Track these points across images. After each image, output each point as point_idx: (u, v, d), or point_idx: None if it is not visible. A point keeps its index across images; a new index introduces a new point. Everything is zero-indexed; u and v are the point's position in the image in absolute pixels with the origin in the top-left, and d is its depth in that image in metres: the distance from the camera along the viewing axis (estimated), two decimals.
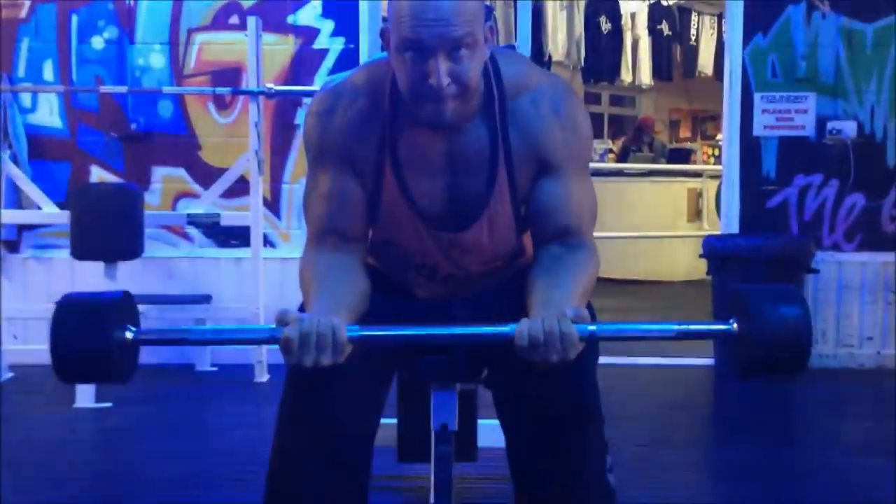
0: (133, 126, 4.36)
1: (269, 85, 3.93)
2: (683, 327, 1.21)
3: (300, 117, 4.33)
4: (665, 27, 8.15)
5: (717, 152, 9.02)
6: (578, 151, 1.45)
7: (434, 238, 1.48)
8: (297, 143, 4.33)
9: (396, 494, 2.49)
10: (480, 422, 2.06)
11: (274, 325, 1.21)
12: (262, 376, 3.95)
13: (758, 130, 4.32)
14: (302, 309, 1.42)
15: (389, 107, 1.42)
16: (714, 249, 4.04)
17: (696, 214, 8.13)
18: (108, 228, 3.63)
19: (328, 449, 1.40)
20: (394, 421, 2.01)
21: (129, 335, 1.21)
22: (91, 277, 3.83)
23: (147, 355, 4.58)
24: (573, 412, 1.41)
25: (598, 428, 1.44)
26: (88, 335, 1.18)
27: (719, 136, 9.10)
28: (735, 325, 1.18)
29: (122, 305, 1.22)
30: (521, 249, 1.56)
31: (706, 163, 8.76)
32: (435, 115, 1.33)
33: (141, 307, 3.81)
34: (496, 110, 1.41)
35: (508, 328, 1.21)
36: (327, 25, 4.35)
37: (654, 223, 7.97)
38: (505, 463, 1.50)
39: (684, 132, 11.00)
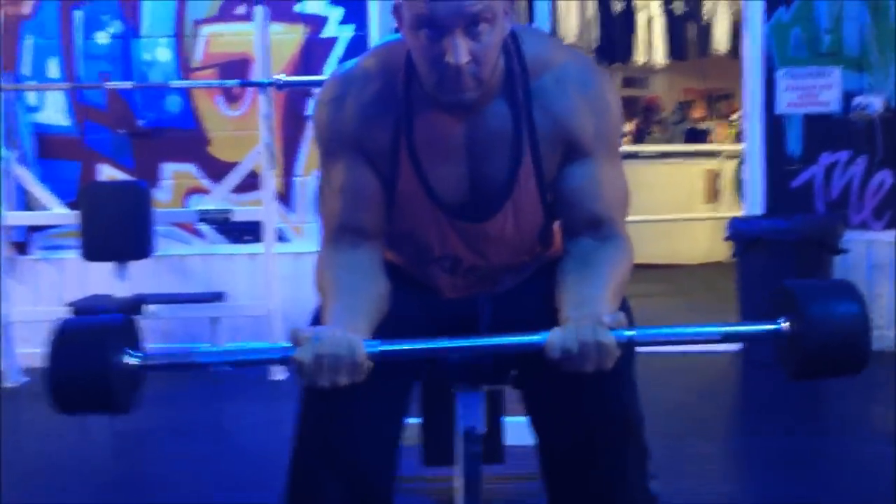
0: (141, 122, 4.29)
1: (278, 76, 3.84)
2: (729, 329, 1.14)
3: (311, 108, 4.24)
4: (678, 5, 7.99)
5: (733, 132, 8.88)
6: (608, 133, 1.36)
7: (455, 228, 1.39)
8: (309, 135, 4.25)
9: (421, 497, 2.40)
10: (506, 419, 1.99)
11: (287, 344, 1.15)
12: (279, 374, 3.89)
13: (781, 108, 4.20)
14: (318, 315, 1.35)
15: (404, 90, 1.33)
16: (739, 232, 3.93)
17: (713, 196, 8.01)
18: (117, 228, 3.57)
19: (349, 468, 1.32)
20: (418, 420, 1.94)
21: (131, 361, 1.14)
22: (102, 278, 3.77)
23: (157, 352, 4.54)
24: (612, 417, 1.32)
25: (639, 433, 1.35)
26: (87, 363, 1.12)
27: (734, 115, 8.98)
28: (786, 325, 1.11)
29: (123, 329, 1.15)
30: (549, 240, 1.47)
31: (723, 143, 8.60)
32: (454, 95, 1.25)
33: (153, 307, 3.78)
34: (519, 90, 1.32)
35: (539, 337, 1.14)
36: (336, 13, 4.26)
37: (670, 205, 7.86)
38: (531, 461, 1.42)
39: (699, 112, 10.85)
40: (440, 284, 1.48)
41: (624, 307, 1.35)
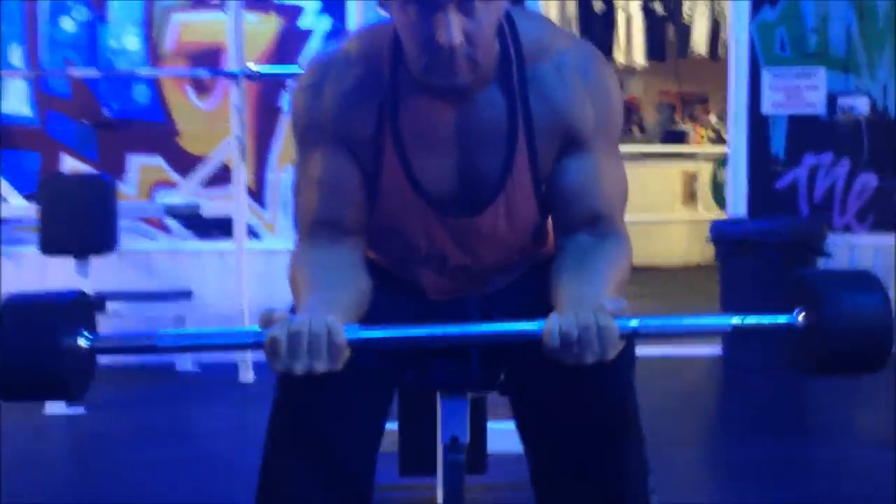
0: (106, 112, 4.15)
1: (252, 66, 3.70)
2: (741, 320, 1.04)
3: (285, 101, 4.12)
4: (658, 6, 7.95)
5: (711, 133, 8.86)
6: (609, 125, 1.27)
7: (443, 225, 1.29)
8: (283, 129, 4.15)
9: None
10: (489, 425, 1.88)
11: (258, 328, 1.03)
12: (248, 376, 3.76)
13: (765, 108, 4.14)
14: (292, 311, 1.22)
15: (389, 75, 1.23)
16: (722, 234, 3.86)
17: (690, 198, 7.98)
18: (79, 221, 3.41)
19: (325, 471, 1.22)
20: (394, 426, 1.83)
21: (83, 343, 1.01)
22: (63, 274, 3.61)
23: (123, 355, 4.35)
24: (609, 426, 1.23)
25: (639, 444, 1.27)
26: (33, 343, 1.00)
27: (712, 118, 8.96)
28: (801, 317, 1.02)
29: (76, 307, 1.03)
30: (542, 237, 1.37)
31: (699, 145, 8.58)
32: (445, 79, 1.15)
33: (116, 305, 3.62)
34: (514, 76, 1.23)
35: (536, 325, 1.04)
36: (313, 4, 4.15)
37: (647, 207, 7.82)
38: (514, 469, 1.35)
39: (675, 114, 10.86)
40: (426, 285, 1.38)
41: None
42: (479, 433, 1.86)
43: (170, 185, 4.14)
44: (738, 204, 4.20)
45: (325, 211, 1.26)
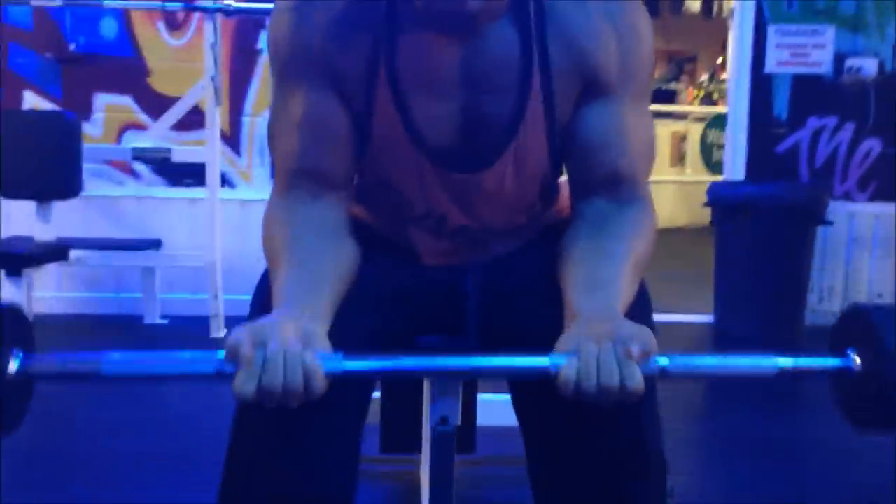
0: (72, 47, 3.88)
1: (228, 1, 3.46)
2: (788, 363, 0.87)
3: (263, 41, 3.87)
4: None
5: (700, 93, 8.69)
6: (638, 70, 1.08)
7: (443, 180, 1.11)
8: (260, 71, 3.92)
9: (381, 482, 2.14)
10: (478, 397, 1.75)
11: (221, 354, 0.85)
12: (220, 331, 3.57)
13: (769, 67, 3.95)
14: (264, 289, 1.06)
15: (387, 3, 1.05)
16: (720, 197, 3.69)
17: (678, 159, 7.84)
18: (40, 163, 3.18)
19: (300, 472, 1.02)
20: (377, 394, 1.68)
21: (13, 366, 0.83)
22: (24, 219, 3.39)
23: (88, 306, 4.15)
24: (628, 454, 1.05)
25: (662, 477, 1.08)
26: None
27: (702, 78, 8.78)
28: (857, 359, 0.87)
29: (6, 322, 0.84)
30: (553, 195, 1.20)
31: (691, 104, 8.42)
32: (452, 3, 0.96)
33: (80, 253, 3.39)
34: (530, 9, 1.05)
35: (549, 362, 0.86)
36: None
37: None
38: (503, 442, 1.21)
39: (661, 73, 10.71)
40: (420, 248, 1.21)
41: (642, 292, 1.10)
42: (469, 410, 1.72)
43: (139, 127, 3.90)
44: (736, 166, 4.04)
45: (307, 158, 1.08)
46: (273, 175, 1.13)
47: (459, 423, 1.21)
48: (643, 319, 1.05)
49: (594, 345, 0.86)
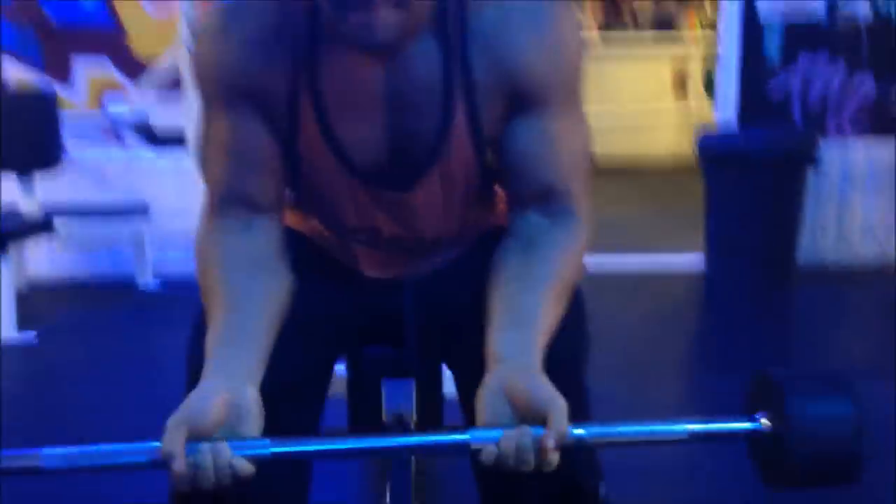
0: (50, 17, 3.81)
1: None
2: (697, 428, 0.90)
3: None
4: None
5: (705, 19, 8.47)
6: (566, 78, 1.05)
7: (372, 197, 1.11)
8: None
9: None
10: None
11: (156, 444, 0.87)
12: None
13: (762, 11, 3.84)
14: (199, 332, 1.05)
15: (306, 22, 1.02)
16: (709, 148, 3.64)
17: (681, 89, 7.71)
18: (20, 137, 3.17)
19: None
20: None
21: None
22: (9, 189, 3.41)
23: (80, 269, 4.14)
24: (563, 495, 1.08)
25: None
26: None
27: (706, 3, 8.55)
28: (765, 422, 0.90)
29: None
30: (489, 203, 1.19)
31: (693, 29, 8.22)
32: (366, 28, 0.93)
33: (66, 220, 3.38)
34: (451, 23, 1.02)
35: (468, 436, 0.89)
36: None
37: (636, 100, 7.55)
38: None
39: None
40: (359, 258, 1.22)
41: (576, 302, 1.09)
42: (435, 385, 1.74)
43: (119, 90, 3.86)
44: (728, 109, 3.97)
45: (235, 184, 1.07)
46: (205, 197, 1.12)
47: (415, 417, 1.27)
48: (574, 337, 1.10)
49: (514, 431, 0.87)
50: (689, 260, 4.05)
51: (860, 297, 3.72)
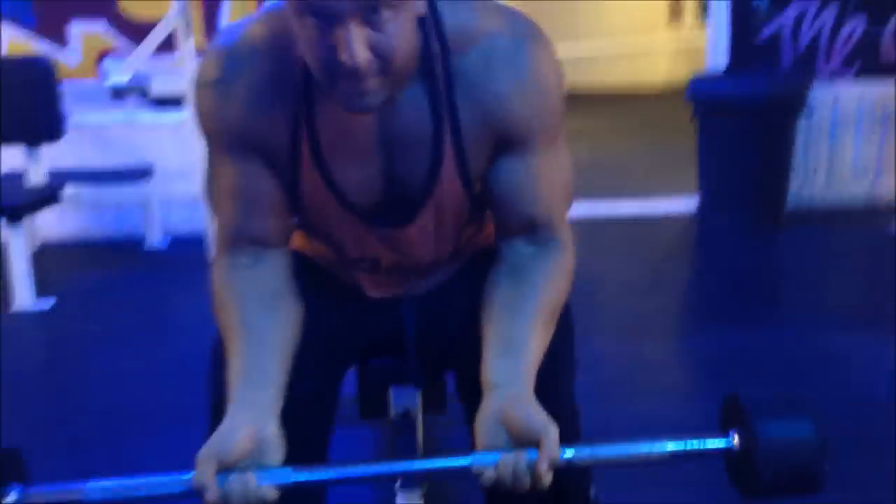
0: None
1: None
2: (678, 447, 1.01)
3: None
4: None
5: None
6: (547, 119, 1.13)
7: (371, 232, 1.21)
8: None
9: (359, 426, 2.29)
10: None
11: (188, 475, 0.99)
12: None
13: None
14: (219, 358, 1.16)
15: (303, 73, 1.09)
16: (701, 94, 3.69)
17: (675, 15, 7.64)
18: (21, 110, 3.22)
19: None
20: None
21: (11, 500, 0.97)
22: (14, 158, 3.47)
23: (89, 229, 4.19)
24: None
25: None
26: None
27: None
28: (736, 440, 1.02)
29: (5, 461, 0.99)
30: (480, 225, 1.30)
31: None
32: (354, 99, 1.01)
33: (74, 189, 3.42)
34: (438, 72, 1.09)
35: (471, 461, 1.00)
36: None
37: (631, 27, 7.49)
38: None
39: None
40: (362, 282, 1.33)
41: (565, 321, 1.21)
42: (437, 394, 1.86)
43: (116, 53, 3.88)
44: (718, 53, 4.00)
45: (243, 225, 1.17)
46: (216, 233, 1.21)
47: (422, 414, 1.40)
48: (562, 357, 1.22)
49: (510, 456, 0.98)
50: (683, 204, 4.13)
51: (850, 237, 3.79)
